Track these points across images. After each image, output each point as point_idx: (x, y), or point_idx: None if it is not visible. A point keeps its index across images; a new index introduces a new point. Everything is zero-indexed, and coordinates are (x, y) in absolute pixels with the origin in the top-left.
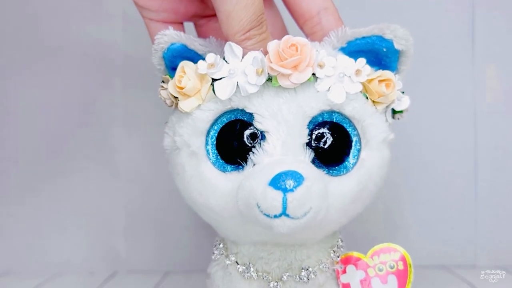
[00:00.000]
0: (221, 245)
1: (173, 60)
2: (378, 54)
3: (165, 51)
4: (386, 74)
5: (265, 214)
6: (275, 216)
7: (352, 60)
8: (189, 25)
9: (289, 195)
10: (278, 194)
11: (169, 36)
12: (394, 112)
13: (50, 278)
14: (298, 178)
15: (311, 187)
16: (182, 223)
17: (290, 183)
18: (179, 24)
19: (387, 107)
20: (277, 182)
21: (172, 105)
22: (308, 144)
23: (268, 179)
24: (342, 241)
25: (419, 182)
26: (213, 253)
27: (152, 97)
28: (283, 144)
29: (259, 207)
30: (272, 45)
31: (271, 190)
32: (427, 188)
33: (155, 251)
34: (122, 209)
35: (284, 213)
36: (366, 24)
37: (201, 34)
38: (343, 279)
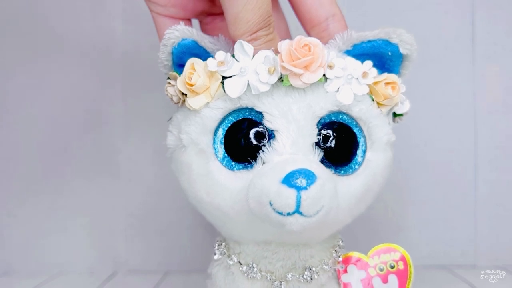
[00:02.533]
0: (222, 245)
1: (181, 56)
2: (383, 57)
3: (175, 46)
4: (391, 77)
5: (277, 212)
6: (288, 214)
7: (359, 62)
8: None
9: (303, 193)
10: (292, 192)
11: (181, 31)
12: (394, 115)
13: (50, 278)
14: (311, 176)
15: (324, 186)
16: (182, 223)
17: (303, 181)
18: (186, 20)
19: (390, 109)
20: (290, 180)
21: (178, 102)
22: (316, 144)
23: (281, 177)
24: (342, 241)
25: (419, 182)
26: (214, 254)
27: (152, 97)
28: (293, 143)
29: (271, 205)
30: (285, 45)
31: (285, 188)
32: (428, 188)
33: (155, 251)
34: (122, 209)
35: (297, 211)
36: (366, 25)
37: (206, 32)
38: (344, 278)
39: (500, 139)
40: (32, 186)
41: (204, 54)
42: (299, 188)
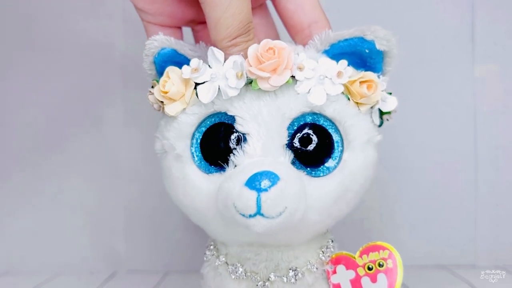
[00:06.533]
0: (212, 246)
1: (163, 65)
2: (362, 55)
3: (156, 56)
4: (368, 75)
5: (241, 214)
6: (250, 216)
7: (334, 62)
8: (186, 31)
9: (263, 195)
10: (252, 194)
11: (159, 41)
12: (381, 113)
13: (50, 278)
14: (273, 178)
15: (286, 187)
16: (181, 224)
17: (265, 183)
18: (177, 28)
19: (371, 108)
20: (252, 182)
21: (159, 110)
22: (290, 146)
23: (245, 179)
24: (333, 242)
25: (419, 182)
26: (205, 254)
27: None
28: (263, 145)
29: (235, 207)
30: (251, 49)
31: (246, 190)
32: (427, 188)
33: (155, 251)
34: (122, 209)
35: (258, 212)
36: (365, 25)
37: (198, 39)
38: (334, 279)
39: (500, 139)
40: (32, 186)
41: (185, 62)
42: (259, 190)
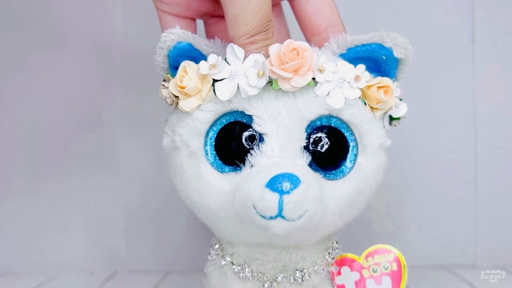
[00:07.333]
0: (216, 246)
1: (177, 58)
2: (378, 61)
3: (171, 49)
4: (385, 81)
5: (261, 216)
6: (271, 218)
7: (351, 66)
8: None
9: (285, 197)
10: (275, 196)
11: (176, 35)
12: (391, 119)
13: (50, 278)
14: (294, 180)
15: (307, 190)
16: (182, 223)
17: (286, 185)
18: (191, 20)
19: (384, 113)
20: (274, 184)
21: (172, 104)
22: (306, 148)
23: (265, 180)
24: (337, 243)
25: (419, 182)
26: (209, 253)
27: (152, 97)
28: (281, 146)
29: (255, 208)
30: (274, 49)
31: (268, 192)
32: (427, 188)
33: (155, 251)
34: (122, 209)
35: (280, 214)
36: (366, 25)
37: (209, 33)
38: (338, 280)
39: (500, 139)
40: (32, 185)
41: (200, 57)
42: (281, 192)
